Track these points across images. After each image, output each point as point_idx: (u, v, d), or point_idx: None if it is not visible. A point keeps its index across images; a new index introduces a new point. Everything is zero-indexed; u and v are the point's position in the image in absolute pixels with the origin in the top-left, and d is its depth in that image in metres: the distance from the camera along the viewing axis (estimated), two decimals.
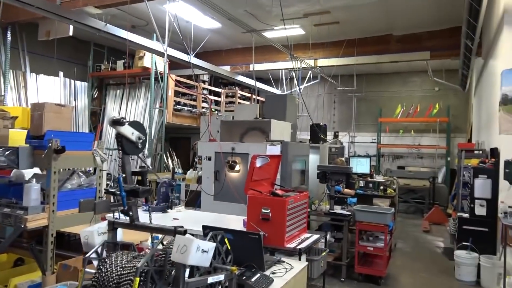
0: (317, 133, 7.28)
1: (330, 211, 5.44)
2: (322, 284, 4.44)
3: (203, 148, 5.79)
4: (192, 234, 3.41)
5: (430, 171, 11.94)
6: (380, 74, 13.66)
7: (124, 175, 1.69)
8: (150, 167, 8.95)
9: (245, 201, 5.16)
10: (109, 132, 10.37)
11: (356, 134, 13.91)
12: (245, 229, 3.78)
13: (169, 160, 11.83)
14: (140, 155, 1.78)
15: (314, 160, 6.82)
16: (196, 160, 6.45)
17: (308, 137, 8.14)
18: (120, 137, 1.74)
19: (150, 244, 2.17)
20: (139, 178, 1.96)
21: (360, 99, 13.81)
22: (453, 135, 12.53)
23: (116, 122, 1.71)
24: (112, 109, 10.55)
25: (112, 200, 1.87)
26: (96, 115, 10.93)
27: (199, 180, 6.02)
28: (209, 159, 5.66)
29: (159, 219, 4.36)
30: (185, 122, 10.59)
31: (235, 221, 4.19)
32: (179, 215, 4.50)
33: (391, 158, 13.56)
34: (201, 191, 5.75)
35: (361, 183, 7.64)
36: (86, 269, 1.35)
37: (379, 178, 7.85)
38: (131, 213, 1.57)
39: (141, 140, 1.77)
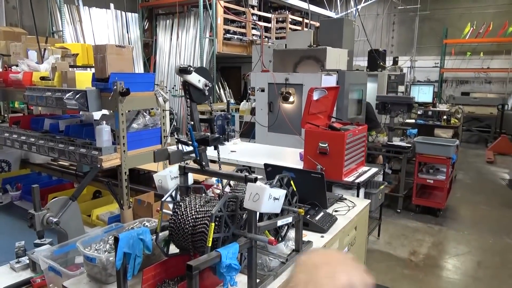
0: (376, 60, 6.81)
1: (389, 143, 5.27)
2: (379, 215, 4.48)
3: (256, 79, 5.68)
4: (250, 168, 3.43)
5: (499, 98, 10.98)
6: None
7: (192, 123, 1.69)
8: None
9: (299, 133, 5.15)
10: (163, 64, 10.49)
11: (416, 58, 12.90)
12: (301, 162, 3.80)
13: (221, 90, 11.88)
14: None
15: (371, 89, 6.50)
16: (249, 91, 6.41)
17: (364, 63, 7.67)
18: (187, 85, 1.71)
19: (215, 181, 2.24)
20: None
21: (424, 18, 12.54)
22: None
23: (183, 71, 1.66)
24: (164, 40, 10.55)
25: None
26: (148, 47, 11.01)
27: (252, 111, 6.03)
28: (263, 90, 5.58)
29: None
30: (235, 51, 10.37)
31: (292, 154, 4.20)
32: (236, 148, 4.59)
33: (454, 83, 12.57)
34: (255, 122, 5.78)
35: (419, 112, 7.23)
36: (164, 210, 1.42)
37: (442, 107, 7.36)
38: (203, 162, 1.60)
39: (207, 87, 1.73)
